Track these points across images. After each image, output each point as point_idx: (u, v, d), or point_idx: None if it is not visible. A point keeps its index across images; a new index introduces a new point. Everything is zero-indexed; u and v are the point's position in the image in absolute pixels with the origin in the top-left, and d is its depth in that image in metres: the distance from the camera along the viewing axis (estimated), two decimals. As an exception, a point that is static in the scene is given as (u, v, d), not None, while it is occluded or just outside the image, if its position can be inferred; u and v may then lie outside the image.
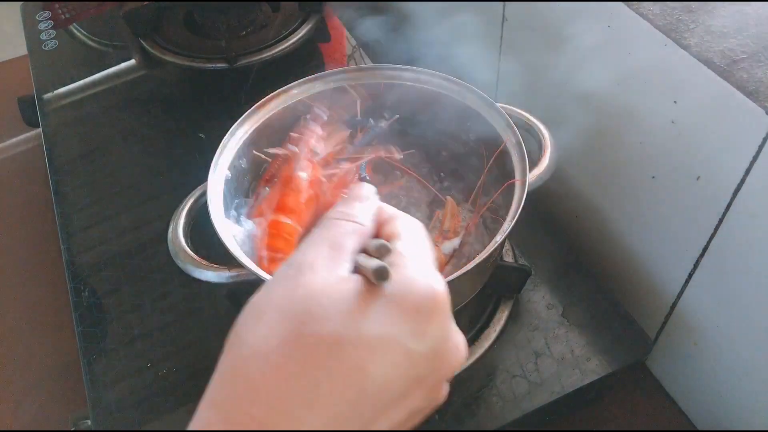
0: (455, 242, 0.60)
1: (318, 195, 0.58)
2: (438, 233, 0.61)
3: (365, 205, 0.32)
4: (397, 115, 0.65)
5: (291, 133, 0.61)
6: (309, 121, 0.62)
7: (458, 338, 0.30)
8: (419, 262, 0.29)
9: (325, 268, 0.28)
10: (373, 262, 0.28)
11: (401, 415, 0.28)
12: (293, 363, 0.26)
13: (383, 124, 0.63)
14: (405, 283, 0.28)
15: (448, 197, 0.63)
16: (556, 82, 0.68)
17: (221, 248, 0.51)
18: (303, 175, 0.57)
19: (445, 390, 0.30)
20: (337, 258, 0.29)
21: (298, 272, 0.28)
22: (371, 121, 0.63)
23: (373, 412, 0.26)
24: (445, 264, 0.59)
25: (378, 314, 0.27)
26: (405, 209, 0.61)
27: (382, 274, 0.27)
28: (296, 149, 0.59)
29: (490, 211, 0.61)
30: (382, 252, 0.29)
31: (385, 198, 0.63)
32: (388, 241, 0.30)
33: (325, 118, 0.63)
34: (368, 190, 0.34)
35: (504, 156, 0.58)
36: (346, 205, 0.32)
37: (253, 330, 0.27)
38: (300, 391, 0.25)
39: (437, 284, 0.28)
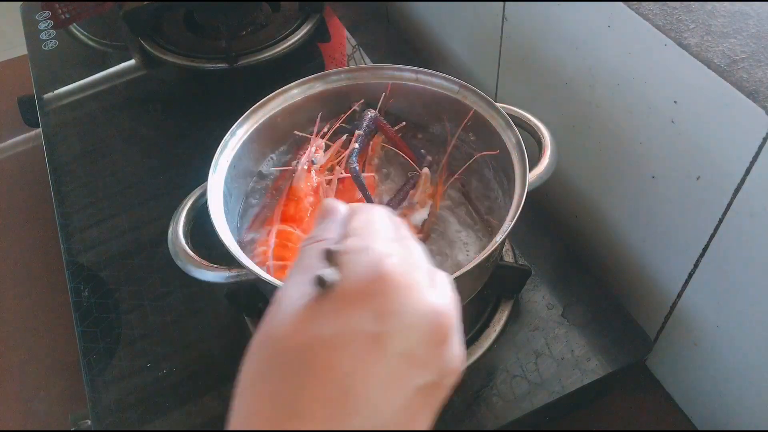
0: (423, 213, 0.60)
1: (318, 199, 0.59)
2: (408, 206, 0.61)
3: (332, 218, 0.33)
4: (403, 123, 0.65)
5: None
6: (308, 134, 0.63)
7: (432, 300, 0.29)
8: (366, 252, 0.29)
9: (295, 292, 0.29)
10: (318, 272, 0.28)
11: (409, 395, 0.28)
12: (270, 383, 0.27)
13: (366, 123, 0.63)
14: (350, 277, 0.28)
15: (425, 169, 0.62)
16: (556, 82, 0.68)
17: (221, 248, 0.51)
18: (301, 184, 0.59)
19: (452, 352, 0.29)
20: (306, 281, 0.29)
21: (277, 306, 0.29)
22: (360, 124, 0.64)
23: (370, 404, 0.27)
24: (418, 234, 0.59)
25: (331, 313, 0.27)
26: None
27: (319, 281, 0.28)
28: (297, 162, 0.60)
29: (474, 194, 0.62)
30: (330, 258, 0.29)
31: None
32: (347, 239, 0.31)
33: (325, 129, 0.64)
34: (331, 203, 0.34)
35: (504, 156, 0.58)
36: (315, 228, 0.33)
37: (243, 371, 0.29)
38: (284, 405, 0.26)
39: (384, 264, 0.28)
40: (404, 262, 0.29)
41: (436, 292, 0.29)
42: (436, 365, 0.29)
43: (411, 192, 0.62)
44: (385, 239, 0.30)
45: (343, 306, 0.27)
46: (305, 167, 0.60)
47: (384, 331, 0.27)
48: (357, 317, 0.27)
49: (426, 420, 0.30)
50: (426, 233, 0.60)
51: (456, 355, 0.29)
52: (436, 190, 0.62)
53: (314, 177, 0.60)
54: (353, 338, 0.27)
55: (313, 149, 0.61)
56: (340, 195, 0.62)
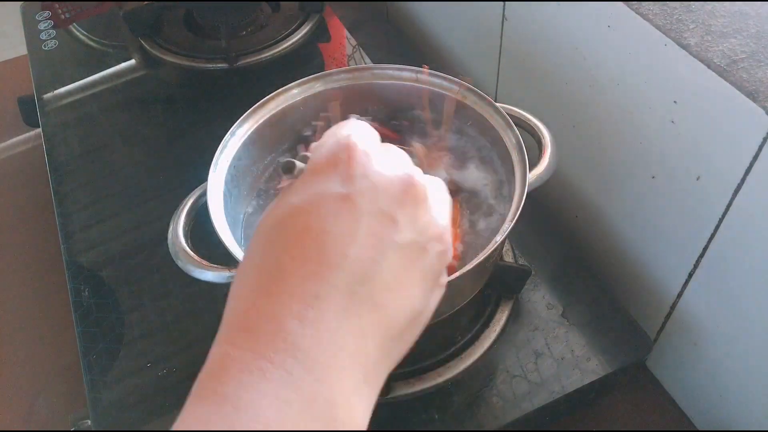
0: (440, 175, 0.60)
1: None
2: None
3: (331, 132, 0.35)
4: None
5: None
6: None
7: (396, 166, 0.31)
8: (333, 135, 0.32)
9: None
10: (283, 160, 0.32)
11: (388, 250, 0.29)
12: (257, 256, 0.29)
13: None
14: (318, 154, 0.31)
15: (413, 144, 0.62)
16: (556, 82, 0.68)
17: (221, 248, 0.51)
18: None
19: (428, 216, 0.31)
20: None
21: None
22: None
23: (349, 258, 0.28)
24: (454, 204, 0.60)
25: (302, 185, 0.30)
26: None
27: (285, 167, 0.31)
28: None
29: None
30: (302, 157, 0.32)
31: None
32: None
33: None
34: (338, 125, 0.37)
35: (504, 156, 0.58)
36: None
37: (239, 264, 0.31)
38: (269, 270, 0.28)
39: (349, 138, 0.31)
40: (368, 140, 0.31)
41: (401, 164, 0.31)
42: (412, 226, 0.30)
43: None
44: (355, 132, 0.32)
45: (313, 176, 0.30)
46: None
47: (352, 191, 0.29)
48: (325, 183, 0.29)
49: (417, 282, 0.30)
50: (455, 190, 0.60)
51: (434, 221, 0.31)
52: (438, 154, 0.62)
53: None
54: (324, 200, 0.29)
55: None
56: None
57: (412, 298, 0.30)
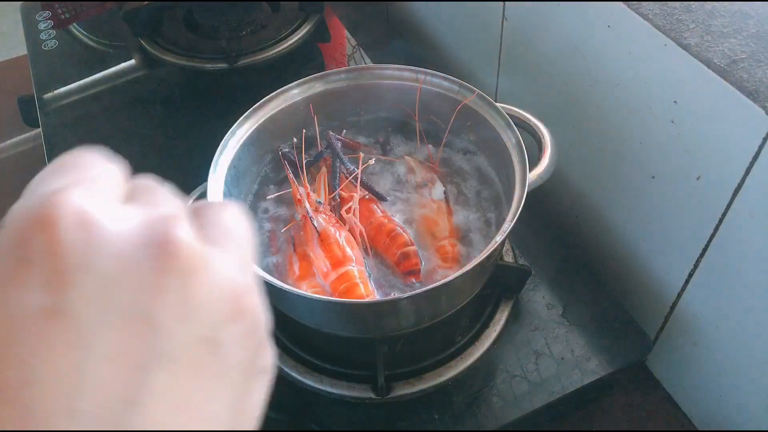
0: (438, 187, 0.62)
1: (352, 228, 0.59)
2: (417, 190, 0.62)
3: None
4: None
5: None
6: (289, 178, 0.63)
7: (130, 234, 0.18)
8: (22, 200, 0.19)
9: None
10: None
11: (174, 372, 0.18)
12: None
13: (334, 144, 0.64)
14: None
15: (404, 156, 0.64)
16: (555, 82, 0.68)
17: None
18: (327, 228, 0.58)
19: (213, 278, 0.19)
20: None
21: None
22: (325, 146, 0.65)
23: (99, 415, 0.17)
24: (449, 210, 0.61)
25: None
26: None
27: None
28: (304, 211, 0.59)
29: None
30: None
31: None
32: None
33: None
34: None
35: (504, 156, 0.58)
36: None
37: None
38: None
39: (41, 200, 0.18)
40: (92, 189, 0.19)
41: (150, 211, 0.20)
42: (182, 317, 0.19)
43: (415, 180, 0.63)
44: (63, 179, 0.20)
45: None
46: (314, 213, 0.59)
47: (62, 299, 0.17)
48: (17, 298, 0.17)
49: (217, 391, 0.20)
50: (448, 199, 0.62)
51: (219, 289, 0.20)
52: (432, 167, 0.64)
53: (327, 214, 0.60)
54: (17, 329, 0.17)
55: (304, 194, 0.60)
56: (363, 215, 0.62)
57: (210, 417, 0.19)
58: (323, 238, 0.57)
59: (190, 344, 0.19)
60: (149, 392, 0.18)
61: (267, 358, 0.22)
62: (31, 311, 0.17)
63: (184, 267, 0.19)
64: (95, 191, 0.19)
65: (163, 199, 0.21)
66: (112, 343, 0.17)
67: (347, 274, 0.55)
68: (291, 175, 0.61)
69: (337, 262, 0.56)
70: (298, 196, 0.60)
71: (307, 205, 0.59)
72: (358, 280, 0.55)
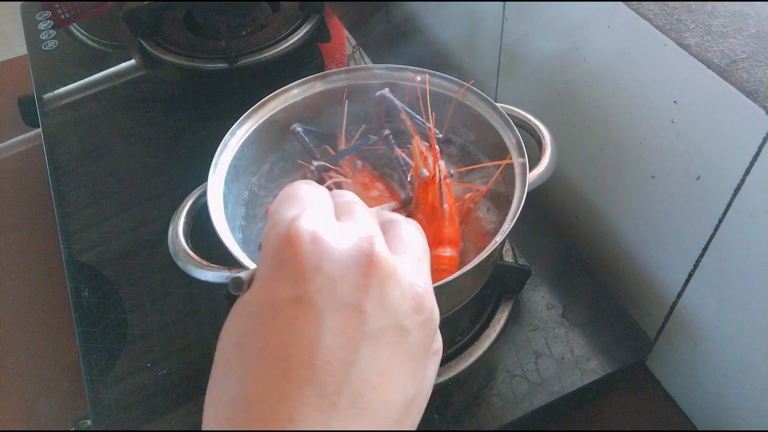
0: (441, 164, 0.57)
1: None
2: (422, 161, 0.58)
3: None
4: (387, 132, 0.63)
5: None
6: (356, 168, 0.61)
7: (346, 246, 0.27)
8: (274, 226, 0.28)
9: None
10: (231, 277, 0.29)
11: (365, 344, 0.26)
12: (217, 385, 0.26)
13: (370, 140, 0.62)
14: (263, 257, 0.28)
15: (412, 142, 0.60)
16: (556, 82, 0.68)
17: (221, 248, 0.51)
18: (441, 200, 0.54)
19: (395, 293, 0.27)
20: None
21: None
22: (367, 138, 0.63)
23: (319, 364, 0.25)
24: (445, 182, 0.57)
25: (251, 299, 0.27)
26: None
27: (233, 286, 0.28)
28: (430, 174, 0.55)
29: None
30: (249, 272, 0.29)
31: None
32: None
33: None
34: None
35: (504, 156, 0.58)
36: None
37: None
38: (233, 399, 0.25)
39: (290, 229, 0.27)
40: (316, 214, 0.28)
41: (359, 231, 0.28)
42: (383, 308, 0.26)
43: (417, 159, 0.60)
44: (298, 210, 0.28)
45: (261, 284, 0.26)
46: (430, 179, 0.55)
47: (304, 291, 0.25)
48: (275, 288, 0.26)
49: (404, 367, 0.27)
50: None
51: (408, 291, 0.27)
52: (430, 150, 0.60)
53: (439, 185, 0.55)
54: (277, 309, 0.25)
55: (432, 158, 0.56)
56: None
57: (401, 387, 0.27)
58: (429, 211, 0.54)
59: (387, 327, 0.26)
60: (361, 358, 0.25)
61: (439, 342, 0.30)
62: (285, 298, 0.25)
63: (382, 272, 0.27)
64: (318, 214, 0.28)
65: (361, 217, 0.29)
66: (336, 321, 0.25)
67: (448, 259, 0.53)
68: (412, 125, 0.57)
69: (438, 240, 0.53)
70: (425, 154, 0.56)
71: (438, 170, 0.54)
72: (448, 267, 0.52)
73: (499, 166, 0.58)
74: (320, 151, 0.63)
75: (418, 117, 0.60)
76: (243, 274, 0.28)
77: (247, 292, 0.27)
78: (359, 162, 0.61)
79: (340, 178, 0.61)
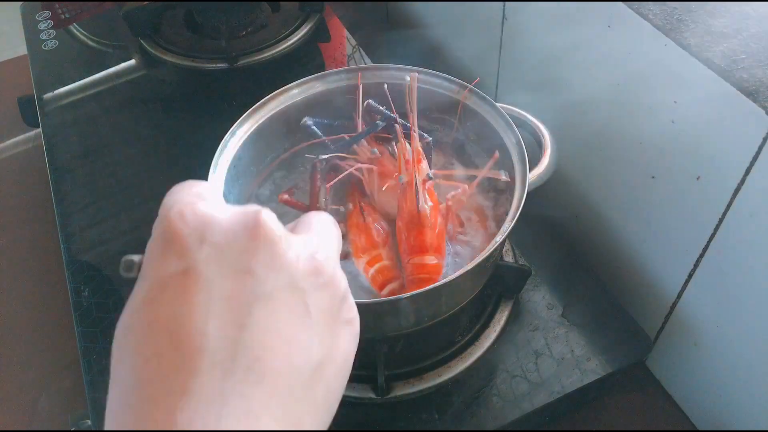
0: (424, 167, 0.58)
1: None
2: (404, 166, 0.58)
3: None
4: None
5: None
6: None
7: (230, 219, 0.26)
8: (161, 216, 0.28)
9: None
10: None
11: (257, 307, 0.25)
12: (118, 376, 0.25)
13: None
14: (151, 240, 0.27)
15: (396, 147, 0.60)
16: (556, 82, 0.68)
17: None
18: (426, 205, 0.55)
19: (296, 246, 0.27)
20: None
21: None
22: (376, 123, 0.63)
23: (208, 334, 0.24)
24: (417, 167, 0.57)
25: (138, 282, 0.26)
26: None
27: (124, 267, 0.27)
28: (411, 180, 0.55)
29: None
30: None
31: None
32: None
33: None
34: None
35: (504, 156, 0.58)
36: None
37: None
38: (128, 384, 0.24)
39: (170, 211, 0.26)
40: (194, 193, 0.27)
41: (237, 211, 0.27)
42: (274, 269, 0.26)
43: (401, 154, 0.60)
44: (177, 194, 0.28)
45: (149, 264, 0.26)
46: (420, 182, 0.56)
47: (190, 263, 0.25)
48: (162, 265, 0.25)
49: (306, 327, 0.26)
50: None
51: (302, 254, 0.27)
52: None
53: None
54: (164, 284, 0.25)
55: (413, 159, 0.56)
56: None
57: (306, 350, 0.26)
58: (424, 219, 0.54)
59: (281, 288, 0.26)
60: (255, 321, 0.25)
61: (350, 311, 0.29)
62: (172, 272, 0.25)
63: (272, 235, 0.26)
64: (206, 195, 0.28)
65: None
66: (225, 287, 0.25)
67: (430, 266, 0.53)
68: (401, 132, 0.58)
69: (418, 248, 0.53)
70: (408, 158, 0.56)
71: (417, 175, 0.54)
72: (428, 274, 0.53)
73: (487, 168, 0.58)
74: (333, 142, 0.63)
75: (402, 121, 0.60)
76: (135, 257, 0.27)
77: (139, 274, 0.26)
78: (376, 149, 0.61)
79: (358, 165, 0.60)
